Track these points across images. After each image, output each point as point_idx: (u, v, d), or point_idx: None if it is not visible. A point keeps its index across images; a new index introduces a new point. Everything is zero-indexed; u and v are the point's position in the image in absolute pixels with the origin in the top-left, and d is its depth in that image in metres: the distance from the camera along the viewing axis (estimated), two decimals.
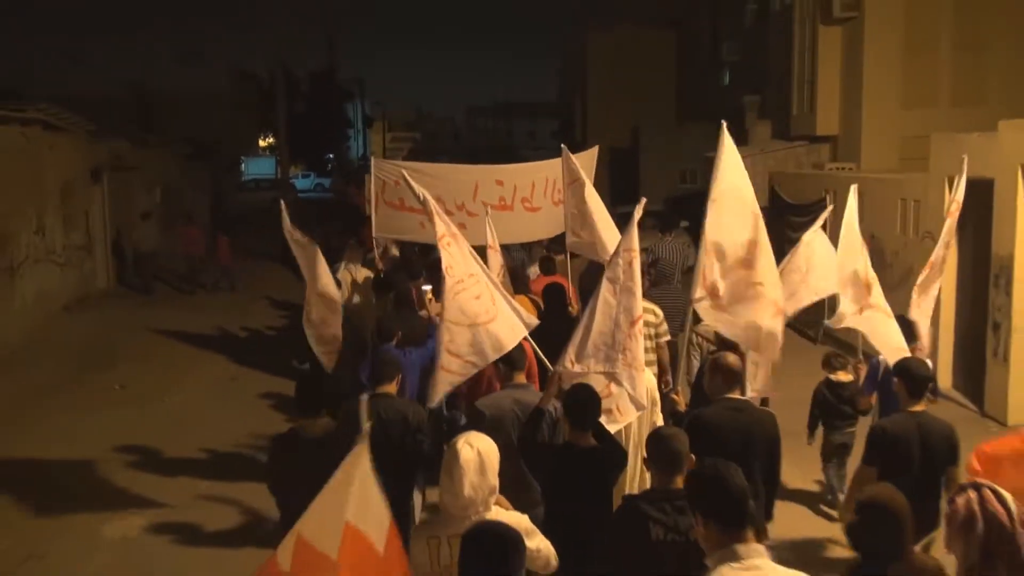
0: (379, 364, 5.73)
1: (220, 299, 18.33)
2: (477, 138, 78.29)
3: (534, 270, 10.46)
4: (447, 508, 3.78)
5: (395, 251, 11.38)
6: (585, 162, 10.90)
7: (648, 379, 6.01)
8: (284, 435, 5.41)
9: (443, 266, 5.32)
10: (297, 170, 51.52)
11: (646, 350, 6.38)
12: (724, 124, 5.85)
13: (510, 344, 5.53)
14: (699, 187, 21.50)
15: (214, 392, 11.61)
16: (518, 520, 3.84)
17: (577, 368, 5.26)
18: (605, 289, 5.32)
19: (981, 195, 10.32)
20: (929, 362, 6.14)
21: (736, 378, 5.33)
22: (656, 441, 4.19)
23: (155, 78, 36.66)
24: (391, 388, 5.51)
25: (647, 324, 7.10)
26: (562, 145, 8.87)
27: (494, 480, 3.79)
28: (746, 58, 23.51)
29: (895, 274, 11.88)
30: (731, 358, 5.40)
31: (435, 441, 5.62)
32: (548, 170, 9.44)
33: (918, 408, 5.28)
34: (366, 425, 3.49)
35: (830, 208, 7.70)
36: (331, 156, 59.69)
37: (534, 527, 3.99)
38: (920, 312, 6.79)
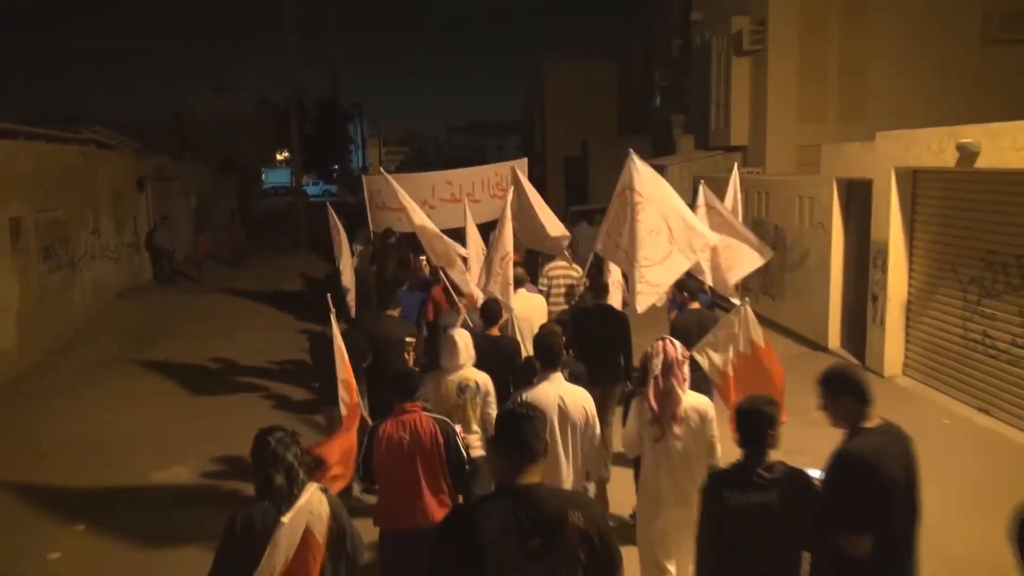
0: (388, 298, 7.32)
1: (247, 284, 18.08)
2: (456, 152, 77.65)
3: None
4: (447, 366, 5.23)
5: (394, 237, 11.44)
6: (517, 168, 11.03)
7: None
8: (317, 334, 6.96)
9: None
10: (309, 179, 50.91)
11: (564, 295, 8.24)
12: (632, 152, 6.35)
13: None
14: None
15: (246, 362, 11.44)
16: (482, 375, 5.25)
17: (481, 295, 6.88)
18: (492, 248, 7.01)
19: (862, 193, 10.44)
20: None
21: (602, 291, 6.95)
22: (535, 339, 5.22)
23: (190, 104, 36.17)
24: (394, 313, 7.06)
25: (571, 278, 8.33)
26: (519, 160, 9.74)
27: (472, 352, 5.29)
28: (673, 83, 23.50)
29: (794, 256, 12.00)
30: (600, 281, 7.09)
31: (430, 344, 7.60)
32: (485, 172, 10.62)
33: (695, 306, 6.96)
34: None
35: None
36: (336, 167, 59.30)
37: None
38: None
